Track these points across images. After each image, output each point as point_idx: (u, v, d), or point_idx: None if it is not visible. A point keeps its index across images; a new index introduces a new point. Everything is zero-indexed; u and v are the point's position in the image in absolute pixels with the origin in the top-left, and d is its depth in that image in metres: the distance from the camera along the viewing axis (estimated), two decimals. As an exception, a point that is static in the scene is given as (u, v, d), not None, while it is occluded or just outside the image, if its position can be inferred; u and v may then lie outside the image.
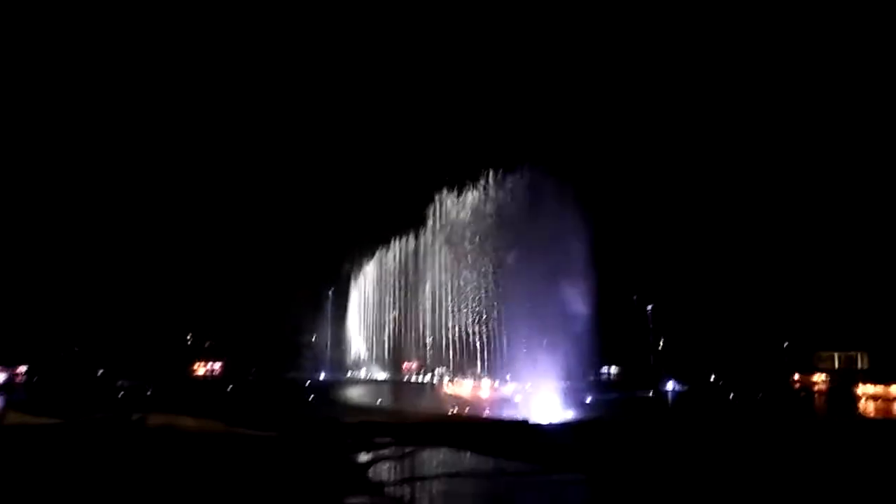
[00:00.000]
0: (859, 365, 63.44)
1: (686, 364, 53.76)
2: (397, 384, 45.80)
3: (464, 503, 14.68)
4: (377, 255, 64.12)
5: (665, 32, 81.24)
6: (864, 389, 43.55)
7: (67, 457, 17.69)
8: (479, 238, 46.28)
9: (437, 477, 17.06)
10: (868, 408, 38.65)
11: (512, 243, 42.05)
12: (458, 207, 52.19)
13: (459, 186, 52.31)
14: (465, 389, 36.92)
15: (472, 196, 49.94)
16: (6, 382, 42.56)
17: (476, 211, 48.62)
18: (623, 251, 67.29)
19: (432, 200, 54.63)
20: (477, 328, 45.27)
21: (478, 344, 46.58)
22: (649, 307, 67.01)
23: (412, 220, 58.97)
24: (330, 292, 67.87)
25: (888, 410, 37.44)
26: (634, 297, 67.39)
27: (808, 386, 50.19)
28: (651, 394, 44.81)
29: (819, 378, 51.22)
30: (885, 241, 67.94)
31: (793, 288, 70.47)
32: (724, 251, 74.86)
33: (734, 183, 76.81)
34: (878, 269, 67.79)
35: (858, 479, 16.61)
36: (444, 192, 53.92)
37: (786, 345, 71.17)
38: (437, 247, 54.63)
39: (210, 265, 73.26)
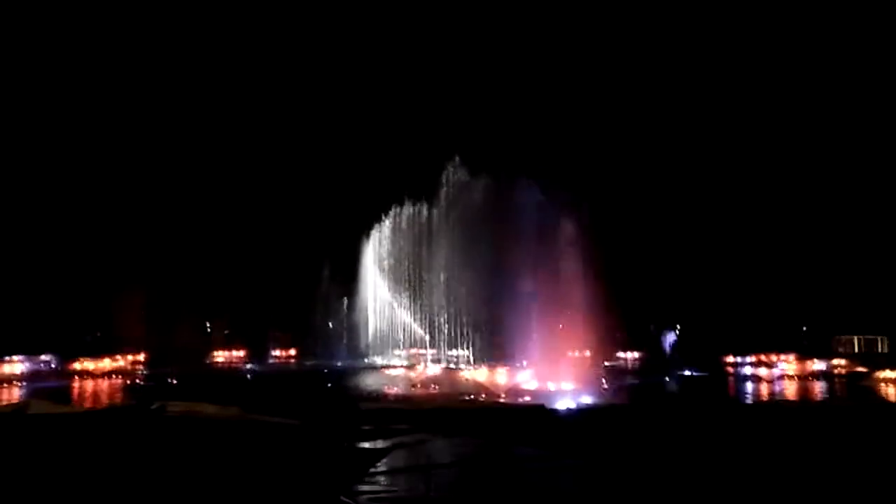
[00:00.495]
0: (880, 349, 62.89)
1: (704, 350, 53.53)
2: (413, 370, 45.91)
3: (473, 489, 14.71)
4: (390, 231, 64.01)
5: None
6: (884, 374, 43.13)
7: (87, 445, 17.96)
8: (490, 224, 46.62)
9: (450, 465, 17.17)
10: (888, 392, 38.37)
11: (522, 233, 42.50)
12: (470, 189, 52.65)
13: (473, 171, 52.76)
14: (482, 375, 36.99)
15: (483, 182, 50.39)
16: (30, 371, 43.08)
17: (486, 197, 49.06)
18: (638, 239, 67.40)
19: (444, 169, 55.32)
20: (491, 314, 45.41)
21: (493, 330, 46.68)
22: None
23: (424, 194, 59.75)
24: (344, 294, 67.82)
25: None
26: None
27: (827, 371, 49.76)
28: (668, 380, 44.72)
29: (838, 362, 50.77)
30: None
31: (811, 272, 70.03)
32: (742, 236, 74.52)
33: (751, 164, 76.40)
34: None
35: (869, 462, 16.54)
36: (457, 160, 54.51)
37: (804, 329, 70.76)
38: (450, 223, 54.92)
39: (227, 254, 73.92)
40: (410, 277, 62.13)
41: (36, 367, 44.67)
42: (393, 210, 63.10)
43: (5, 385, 37.79)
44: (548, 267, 41.60)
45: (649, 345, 61.41)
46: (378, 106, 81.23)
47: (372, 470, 16.22)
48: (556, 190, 43.06)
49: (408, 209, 62.17)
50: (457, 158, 54.69)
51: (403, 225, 62.78)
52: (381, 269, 64.24)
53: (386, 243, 64.19)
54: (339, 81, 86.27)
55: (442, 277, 56.63)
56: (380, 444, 19.39)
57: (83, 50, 77.09)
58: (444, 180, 56.10)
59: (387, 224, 63.80)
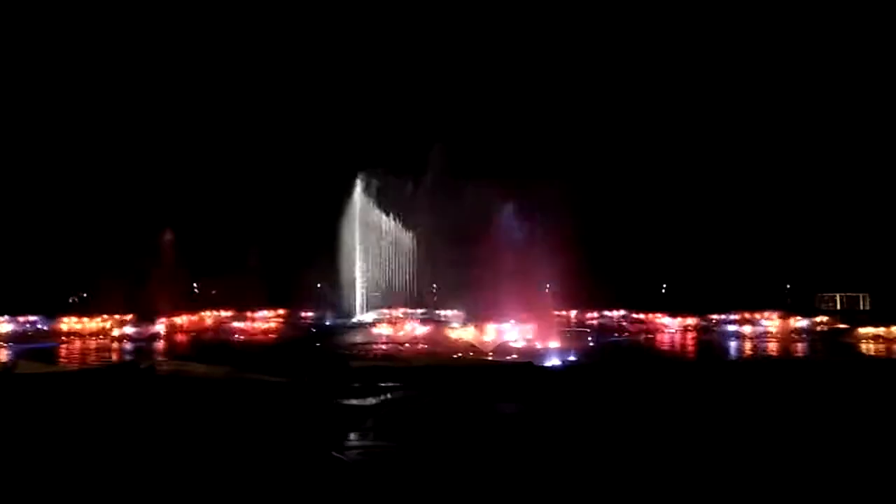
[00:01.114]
0: (861, 306, 63.85)
1: (688, 308, 54.05)
2: (402, 328, 46.09)
3: (455, 444, 14.90)
4: (377, 190, 64.09)
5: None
6: (865, 330, 43.75)
7: (77, 404, 18.05)
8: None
9: (435, 421, 17.37)
10: (869, 348, 39.01)
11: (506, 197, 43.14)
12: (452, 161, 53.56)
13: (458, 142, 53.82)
14: (470, 334, 37.23)
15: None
16: (15, 332, 42.76)
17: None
18: (623, 199, 67.75)
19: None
20: (476, 274, 45.70)
21: (480, 289, 46.89)
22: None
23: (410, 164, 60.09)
24: (332, 252, 67.59)
25: (890, 351, 37.80)
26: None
27: (810, 328, 50.42)
28: (654, 336, 45.29)
29: (821, 320, 51.41)
30: (886, 181, 67.90)
31: (794, 231, 70.77)
32: (726, 195, 74.97)
33: (735, 124, 76.60)
34: (880, 210, 67.89)
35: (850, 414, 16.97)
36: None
37: (788, 287, 71.69)
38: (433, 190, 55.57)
39: (215, 215, 73.60)
40: (397, 238, 62.43)
41: (21, 327, 44.17)
42: (380, 172, 63.32)
43: (-9, 346, 37.55)
44: (533, 228, 41.92)
45: (634, 302, 61.99)
46: (370, 88, 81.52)
47: (361, 426, 16.46)
48: (541, 153, 43.69)
49: (391, 178, 62.57)
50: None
51: (390, 187, 62.95)
52: (369, 229, 64.25)
53: (373, 202, 64.24)
54: (344, 57, 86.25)
55: (427, 239, 57.25)
56: (369, 401, 19.64)
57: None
58: (429, 152, 56.94)
59: (374, 184, 63.93)
